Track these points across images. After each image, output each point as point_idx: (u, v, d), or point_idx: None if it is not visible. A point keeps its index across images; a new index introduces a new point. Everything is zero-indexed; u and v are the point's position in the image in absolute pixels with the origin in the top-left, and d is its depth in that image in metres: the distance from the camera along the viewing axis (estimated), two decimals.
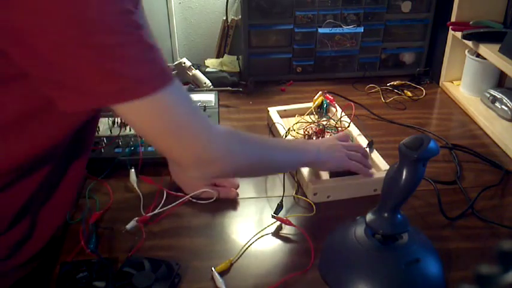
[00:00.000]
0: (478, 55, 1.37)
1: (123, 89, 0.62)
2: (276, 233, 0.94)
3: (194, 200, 0.99)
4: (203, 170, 0.76)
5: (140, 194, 1.01)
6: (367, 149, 1.13)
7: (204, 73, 1.50)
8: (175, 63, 1.49)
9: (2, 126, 0.71)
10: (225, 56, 1.69)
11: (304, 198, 1.02)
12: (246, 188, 1.06)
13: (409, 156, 0.74)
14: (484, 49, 1.28)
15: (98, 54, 0.60)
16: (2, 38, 0.60)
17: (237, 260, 0.87)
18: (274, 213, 0.95)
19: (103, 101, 0.64)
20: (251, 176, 1.01)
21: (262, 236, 0.93)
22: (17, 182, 0.79)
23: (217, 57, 1.73)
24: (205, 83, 1.46)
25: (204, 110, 1.31)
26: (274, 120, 1.25)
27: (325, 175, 1.09)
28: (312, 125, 1.19)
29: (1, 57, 0.62)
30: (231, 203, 1.01)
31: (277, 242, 0.92)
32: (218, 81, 1.50)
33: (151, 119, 0.67)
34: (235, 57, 1.67)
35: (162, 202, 0.98)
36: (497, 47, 1.25)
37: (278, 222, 0.94)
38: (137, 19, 0.63)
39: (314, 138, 1.15)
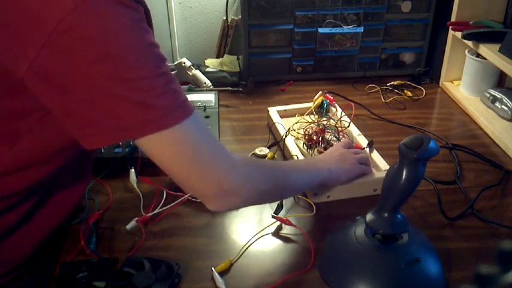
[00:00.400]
0: (478, 55, 1.37)
1: (150, 120, 0.63)
2: (276, 233, 0.94)
3: (194, 200, 0.99)
4: (224, 201, 0.74)
5: (140, 194, 1.01)
6: (367, 149, 1.13)
7: (204, 73, 1.50)
8: (175, 63, 1.49)
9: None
10: (225, 56, 1.69)
11: (304, 198, 1.02)
12: None
13: (409, 156, 0.74)
14: (484, 49, 1.28)
15: (127, 88, 0.61)
16: (31, 78, 0.61)
17: (237, 260, 0.87)
18: (274, 213, 0.95)
19: (130, 135, 0.65)
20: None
21: (262, 236, 0.93)
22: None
23: (217, 57, 1.73)
24: (205, 83, 1.46)
25: (204, 110, 1.31)
26: (274, 120, 1.25)
27: None
28: (312, 125, 1.19)
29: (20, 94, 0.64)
30: None
31: (277, 242, 0.92)
32: (218, 81, 1.50)
33: (174, 150, 0.68)
34: (235, 57, 1.67)
35: (162, 202, 0.98)
36: (497, 47, 1.25)
37: (278, 222, 0.94)
38: (160, 52, 0.66)
39: (314, 138, 1.15)
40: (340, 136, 1.15)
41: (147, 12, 0.69)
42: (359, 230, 0.83)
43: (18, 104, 0.67)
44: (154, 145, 0.67)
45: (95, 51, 0.59)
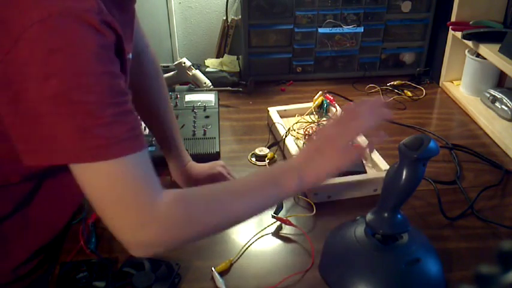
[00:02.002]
0: (478, 55, 1.37)
1: (91, 148, 0.61)
2: (276, 233, 0.94)
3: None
4: (139, 250, 0.68)
5: None
6: (367, 149, 1.13)
7: (204, 73, 1.50)
8: (175, 63, 1.49)
9: None
10: (225, 56, 1.69)
11: (304, 198, 1.02)
12: None
13: (409, 156, 0.74)
14: (484, 49, 1.28)
15: (73, 110, 0.60)
16: None
17: (237, 260, 0.87)
18: (274, 213, 0.95)
19: (65, 159, 0.63)
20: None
21: (262, 236, 0.93)
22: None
23: (217, 57, 1.73)
24: (205, 83, 1.46)
25: (204, 110, 1.31)
26: (274, 120, 1.25)
27: None
28: (312, 125, 1.19)
29: None
30: None
31: (277, 242, 0.92)
32: (218, 81, 1.50)
33: (105, 182, 0.64)
34: (235, 57, 1.67)
35: None
36: (497, 47, 1.25)
37: (278, 222, 0.94)
38: (122, 83, 0.64)
39: (314, 138, 1.14)
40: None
41: (119, 38, 0.67)
42: (359, 230, 0.83)
43: None
44: (84, 173, 0.64)
45: (49, 67, 0.59)
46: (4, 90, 0.61)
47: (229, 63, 1.64)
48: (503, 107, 1.32)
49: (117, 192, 0.65)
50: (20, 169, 0.77)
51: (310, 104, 1.30)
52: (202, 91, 1.43)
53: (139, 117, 0.67)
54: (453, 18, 1.43)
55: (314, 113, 1.29)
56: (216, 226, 0.74)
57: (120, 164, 0.63)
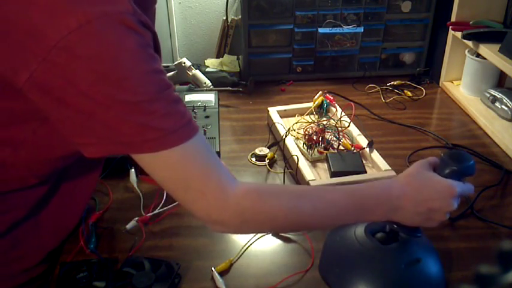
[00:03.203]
0: (478, 55, 1.37)
1: (149, 140, 0.63)
2: (276, 233, 0.94)
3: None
4: (215, 227, 0.73)
5: (140, 194, 1.01)
6: (367, 149, 1.13)
7: (204, 73, 1.50)
8: (175, 63, 1.49)
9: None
10: (225, 56, 1.69)
11: None
12: None
13: (449, 165, 0.75)
14: (484, 49, 1.28)
15: (126, 110, 0.62)
16: (30, 89, 0.62)
17: (237, 260, 0.87)
18: None
19: (128, 150, 0.65)
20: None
21: (262, 236, 0.93)
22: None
23: (217, 57, 1.73)
24: (205, 83, 1.46)
25: (204, 110, 1.31)
26: (274, 120, 1.25)
27: (325, 175, 1.09)
28: (312, 125, 1.19)
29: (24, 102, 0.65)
30: None
31: (277, 242, 0.92)
32: (218, 81, 1.50)
33: (166, 173, 0.68)
34: (235, 57, 1.67)
35: (162, 202, 0.98)
36: (497, 47, 1.25)
37: None
38: (165, 78, 0.66)
39: (314, 138, 1.15)
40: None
41: (154, 36, 0.69)
42: (359, 230, 0.83)
43: (19, 107, 0.67)
44: (150, 163, 0.67)
45: (94, 72, 0.59)
46: (45, 96, 0.62)
47: (229, 63, 1.64)
48: (503, 107, 1.32)
49: (185, 178, 0.68)
50: (36, 171, 0.78)
51: (310, 104, 1.30)
52: (202, 91, 1.43)
53: None
54: (453, 18, 1.43)
55: (314, 113, 1.29)
56: (286, 228, 0.81)
57: (180, 151, 0.65)
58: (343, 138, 1.16)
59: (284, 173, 1.08)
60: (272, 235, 0.93)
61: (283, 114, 1.29)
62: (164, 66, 1.54)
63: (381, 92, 1.49)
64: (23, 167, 0.76)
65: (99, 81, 0.60)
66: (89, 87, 0.60)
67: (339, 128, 1.18)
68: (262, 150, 1.16)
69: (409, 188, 0.73)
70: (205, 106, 1.33)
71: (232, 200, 0.69)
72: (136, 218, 0.93)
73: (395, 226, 0.77)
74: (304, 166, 1.06)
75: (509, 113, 1.30)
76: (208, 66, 1.62)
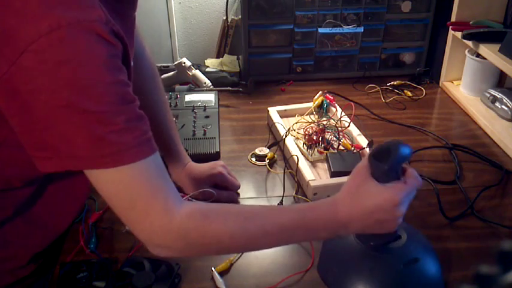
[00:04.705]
0: (478, 55, 1.37)
1: (105, 155, 0.62)
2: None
3: (193, 200, 0.99)
4: (157, 250, 0.70)
5: None
6: (367, 149, 1.13)
7: (204, 73, 1.50)
8: (175, 63, 1.49)
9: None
10: (225, 56, 1.69)
11: (304, 198, 1.02)
12: (246, 188, 1.06)
13: (380, 169, 0.71)
14: (484, 49, 1.28)
15: (87, 120, 0.61)
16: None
17: (237, 260, 0.87)
18: None
19: (82, 165, 0.64)
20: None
21: None
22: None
23: (217, 57, 1.73)
24: (205, 83, 1.46)
25: (204, 110, 1.31)
26: (274, 120, 1.25)
27: (325, 175, 1.09)
28: (312, 125, 1.19)
29: None
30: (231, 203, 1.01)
31: None
32: (218, 81, 1.50)
33: (113, 189, 0.66)
34: (235, 57, 1.67)
35: None
36: (497, 47, 1.25)
37: None
38: (131, 92, 0.65)
39: (314, 138, 1.14)
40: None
41: (126, 47, 0.68)
42: None
43: None
44: (99, 179, 0.65)
45: (60, 78, 0.59)
46: (11, 101, 0.61)
47: (229, 63, 1.64)
48: (503, 107, 1.32)
49: (131, 197, 0.66)
50: (21, 174, 0.78)
51: (310, 104, 1.30)
52: (202, 91, 1.43)
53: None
54: (453, 18, 1.43)
55: (314, 113, 1.29)
56: (232, 250, 0.79)
57: (133, 169, 0.64)
58: (343, 138, 1.16)
59: (284, 173, 1.08)
60: None
61: (283, 114, 1.29)
62: (164, 66, 1.55)
63: (380, 92, 1.49)
64: (7, 167, 0.76)
65: (63, 87, 0.59)
66: (53, 93, 0.59)
67: (339, 128, 1.18)
68: (262, 150, 1.16)
69: (352, 206, 0.72)
70: (205, 106, 1.33)
71: (177, 221, 0.67)
72: None
73: (371, 243, 0.78)
74: (304, 166, 1.06)
75: (509, 113, 1.30)
76: (208, 66, 1.62)
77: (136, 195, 0.66)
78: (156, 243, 0.69)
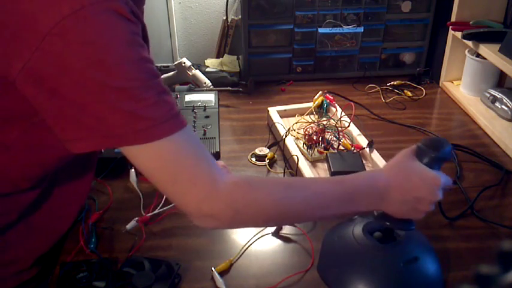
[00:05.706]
0: (478, 55, 1.37)
1: (139, 130, 0.63)
2: (276, 233, 0.94)
3: None
4: (204, 222, 0.70)
5: (140, 194, 1.01)
6: (367, 149, 1.13)
7: (204, 73, 1.50)
8: (175, 63, 1.49)
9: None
10: (225, 55, 1.69)
11: None
12: None
13: (428, 154, 0.74)
14: (484, 49, 1.28)
15: (118, 97, 0.61)
16: (23, 80, 0.61)
17: (237, 260, 0.87)
18: None
19: (118, 142, 0.64)
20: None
21: (262, 236, 0.93)
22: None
23: (217, 57, 1.73)
24: (205, 83, 1.46)
25: (204, 110, 1.31)
26: (274, 120, 1.25)
27: (325, 175, 1.09)
28: (312, 125, 1.19)
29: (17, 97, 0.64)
30: None
31: (277, 242, 0.92)
32: (218, 81, 1.50)
33: (155, 164, 0.66)
34: (235, 57, 1.67)
35: (162, 202, 0.98)
36: (497, 47, 1.25)
37: None
38: (153, 67, 0.65)
39: (314, 138, 1.15)
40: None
41: (143, 28, 0.69)
42: (357, 229, 0.83)
43: (11, 104, 0.67)
44: (138, 155, 0.65)
45: (88, 58, 0.59)
46: (39, 88, 0.61)
47: (229, 63, 1.64)
48: (503, 107, 1.32)
49: (175, 170, 0.66)
50: (30, 175, 0.78)
51: (310, 104, 1.30)
52: (202, 91, 1.43)
53: None
54: (453, 18, 1.43)
55: (314, 113, 1.29)
56: (277, 220, 0.77)
57: (171, 141, 0.64)
58: (343, 138, 1.16)
59: (284, 173, 1.08)
60: (272, 235, 0.93)
61: (283, 114, 1.29)
62: (164, 66, 1.55)
63: (380, 92, 1.49)
64: (15, 169, 0.76)
65: (91, 67, 0.59)
66: (82, 74, 0.59)
67: (339, 128, 1.18)
68: (262, 150, 1.16)
69: (395, 177, 0.74)
70: (205, 106, 1.33)
71: (224, 190, 0.67)
72: (137, 218, 0.93)
73: (387, 223, 0.77)
74: (304, 166, 1.06)
75: (509, 113, 1.30)
76: (208, 66, 1.62)
77: (180, 167, 0.66)
78: (204, 213, 0.68)
